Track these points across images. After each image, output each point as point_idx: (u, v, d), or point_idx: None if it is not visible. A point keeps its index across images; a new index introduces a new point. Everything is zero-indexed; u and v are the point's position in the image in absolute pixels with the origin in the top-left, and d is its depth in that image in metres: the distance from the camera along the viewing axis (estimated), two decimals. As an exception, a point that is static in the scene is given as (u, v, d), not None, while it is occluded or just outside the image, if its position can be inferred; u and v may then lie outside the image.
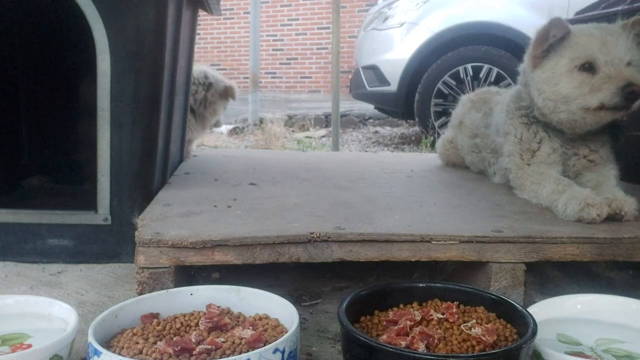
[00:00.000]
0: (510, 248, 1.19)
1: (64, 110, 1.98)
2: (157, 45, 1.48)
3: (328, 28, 8.45)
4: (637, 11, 1.65)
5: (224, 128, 5.94)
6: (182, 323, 0.98)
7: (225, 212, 1.36)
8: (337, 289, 1.40)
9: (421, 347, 0.87)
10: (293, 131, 5.90)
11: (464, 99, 2.09)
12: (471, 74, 4.43)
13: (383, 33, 4.93)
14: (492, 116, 1.80)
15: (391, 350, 0.84)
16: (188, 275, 1.33)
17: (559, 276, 1.49)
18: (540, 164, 1.55)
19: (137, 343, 0.90)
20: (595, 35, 1.43)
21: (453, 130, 2.11)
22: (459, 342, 0.91)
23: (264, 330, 0.96)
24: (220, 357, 0.87)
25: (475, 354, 0.88)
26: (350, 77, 6.08)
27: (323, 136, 5.72)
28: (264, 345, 0.86)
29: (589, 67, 1.42)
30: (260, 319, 1.01)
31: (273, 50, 10.09)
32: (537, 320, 0.93)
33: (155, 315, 1.01)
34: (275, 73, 10.17)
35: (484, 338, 0.89)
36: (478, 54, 4.45)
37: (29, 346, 0.97)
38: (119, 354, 0.87)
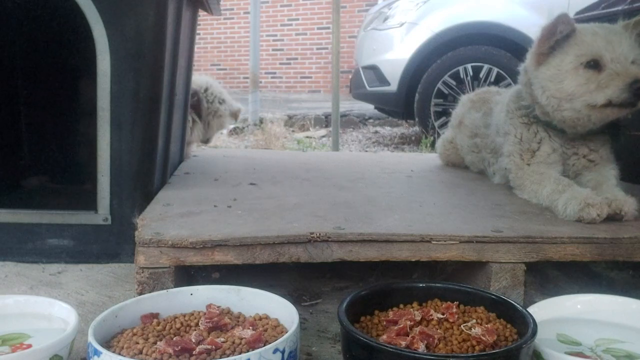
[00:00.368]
0: (510, 248, 1.19)
1: (64, 110, 1.98)
2: (157, 45, 1.48)
3: (328, 28, 8.45)
4: (637, 11, 1.65)
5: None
6: (182, 323, 0.98)
7: (225, 212, 1.36)
8: (337, 289, 1.40)
9: (421, 347, 0.87)
10: (293, 131, 5.90)
11: (464, 98, 2.09)
12: (471, 74, 4.43)
13: (383, 33, 4.93)
14: (492, 116, 1.80)
15: (391, 350, 0.84)
16: (188, 275, 1.33)
17: (559, 276, 1.49)
18: (540, 164, 1.55)
19: (137, 343, 0.90)
20: (600, 33, 1.43)
21: (453, 130, 2.11)
22: (459, 342, 0.91)
23: (264, 330, 0.96)
24: (220, 357, 0.87)
25: (475, 354, 0.88)
26: (350, 77, 6.08)
27: (323, 136, 5.72)
28: (264, 345, 0.86)
29: (594, 65, 1.41)
30: (260, 319, 1.01)
31: (273, 50, 10.09)
32: (537, 320, 0.92)
33: (155, 315, 1.01)
34: (275, 73, 10.17)
35: (484, 338, 0.89)
36: (478, 54, 4.44)
37: (29, 346, 0.97)
38: (119, 354, 0.87)
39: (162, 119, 1.58)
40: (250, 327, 0.94)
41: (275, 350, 0.85)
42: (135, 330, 0.95)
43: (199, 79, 2.32)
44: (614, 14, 1.76)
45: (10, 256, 1.49)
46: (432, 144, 4.02)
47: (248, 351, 0.87)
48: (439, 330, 0.93)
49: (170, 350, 0.86)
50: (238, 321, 1.01)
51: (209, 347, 0.88)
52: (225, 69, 10.25)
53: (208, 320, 0.96)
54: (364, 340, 0.86)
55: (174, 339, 0.91)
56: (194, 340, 0.90)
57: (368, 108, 6.18)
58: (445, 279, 1.40)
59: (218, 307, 1.03)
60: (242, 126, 6.11)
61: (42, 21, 1.91)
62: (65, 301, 1.09)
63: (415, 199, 1.54)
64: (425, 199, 1.56)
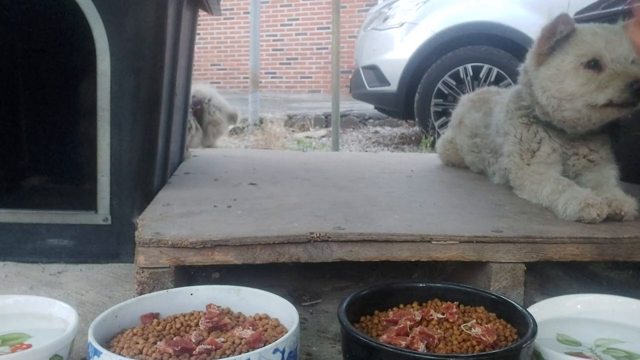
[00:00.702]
0: (510, 248, 1.19)
1: (64, 110, 1.97)
2: (157, 45, 1.48)
3: (328, 28, 8.45)
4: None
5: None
6: (182, 323, 0.98)
7: (225, 212, 1.36)
8: (337, 289, 1.40)
9: (421, 347, 0.87)
10: (293, 131, 5.90)
11: (464, 98, 2.09)
12: (471, 74, 4.43)
13: (383, 33, 4.93)
14: (492, 116, 1.80)
15: (391, 350, 0.84)
16: (188, 275, 1.33)
17: (559, 276, 1.49)
18: (540, 164, 1.55)
19: (137, 343, 0.90)
20: (600, 33, 1.43)
21: (453, 130, 2.11)
22: (459, 342, 0.91)
23: (264, 330, 0.96)
24: (220, 357, 0.87)
25: (475, 354, 0.88)
26: (350, 77, 6.08)
27: (323, 136, 5.72)
28: (264, 345, 0.86)
29: (594, 65, 1.41)
30: (260, 319, 1.01)
31: (273, 50, 10.09)
32: (537, 320, 0.92)
33: (155, 315, 1.01)
34: (275, 73, 10.17)
35: (484, 338, 0.89)
36: (478, 54, 4.44)
37: (29, 346, 0.97)
38: (119, 354, 0.87)
39: (162, 119, 1.58)
40: (250, 327, 0.94)
41: (275, 350, 0.85)
42: (135, 330, 0.95)
43: (203, 88, 2.37)
44: (614, 14, 1.76)
45: (10, 256, 1.49)
46: (432, 144, 4.01)
47: (248, 351, 0.87)
48: (439, 330, 0.93)
49: (170, 350, 0.86)
50: (238, 321, 1.01)
51: (209, 347, 0.88)
52: (225, 69, 10.26)
53: (208, 320, 0.96)
54: (364, 340, 0.86)
55: (174, 339, 0.91)
56: (194, 340, 0.90)
57: (368, 108, 6.18)
58: (445, 279, 1.40)
59: (218, 307, 1.03)
60: (242, 126, 6.11)
61: (42, 21, 1.91)
62: (65, 301, 1.09)
63: (415, 199, 1.54)
64: (425, 199, 1.56)
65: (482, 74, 4.40)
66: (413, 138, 5.38)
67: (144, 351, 0.88)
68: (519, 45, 4.13)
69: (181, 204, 1.44)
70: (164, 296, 1.06)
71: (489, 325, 0.94)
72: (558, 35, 1.46)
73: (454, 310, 0.99)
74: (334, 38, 4.57)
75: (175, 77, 1.71)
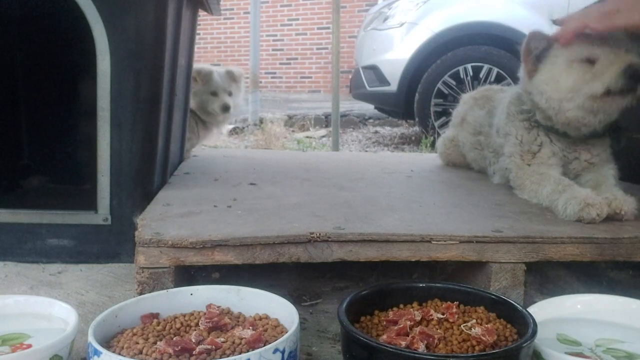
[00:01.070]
0: (510, 248, 1.19)
1: (64, 110, 1.97)
2: (157, 45, 1.48)
3: (328, 28, 8.45)
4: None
5: (224, 128, 5.94)
6: (182, 323, 0.98)
7: (225, 212, 1.36)
8: (337, 289, 1.40)
9: (421, 347, 0.87)
10: (293, 131, 5.90)
11: (466, 96, 2.10)
12: (471, 74, 4.44)
13: (383, 33, 4.93)
14: (495, 116, 1.80)
15: (391, 350, 0.84)
16: (188, 275, 1.33)
17: (559, 276, 1.49)
18: (540, 165, 1.55)
19: (137, 343, 0.90)
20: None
21: (454, 128, 2.11)
22: (459, 342, 0.91)
23: (264, 330, 0.95)
24: (220, 357, 0.87)
25: (475, 354, 0.88)
26: (350, 77, 6.08)
27: (323, 136, 5.72)
28: (264, 345, 0.86)
29: (588, 60, 1.41)
30: (260, 319, 1.01)
31: (273, 50, 10.09)
32: (537, 320, 0.92)
33: (155, 315, 1.01)
34: (275, 73, 10.17)
35: (484, 338, 0.89)
36: (478, 54, 4.45)
37: (29, 346, 0.97)
38: (119, 354, 0.87)
39: (162, 119, 1.58)
40: (250, 327, 0.94)
41: (275, 350, 0.85)
42: (135, 330, 0.95)
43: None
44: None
45: (10, 256, 1.49)
46: (432, 144, 4.02)
47: (248, 351, 0.87)
48: (439, 330, 0.93)
49: (170, 350, 0.86)
50: (238, 321, 1.01)
51: (209, 347, 0.88)
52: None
53: (208, 320, 0.96)
54: (364, 340, 0.86)
55: (174, 339, 0.91)
56: (194, 340, 0.90)
57: (368, 108, 6.19)
58: (445, 279, 1.40)
59: (218, 307, 1.03)
60: (242, 126, 6.12)
61: (42, 21, 1.91)
62: (65, 301, 1.09)
63: (415, 199, 1.54)
64: (425, 199, 1.56)
65: (482, 74, 4.41)
66: (413, 138, 5.38)
67: (144, 351, 0.88)
68: (519, 45, 4.12)
69: (181, 204, 1.44)
70: (164, 296, 1.06)
71: (489, 325, 0.94)
72: (534, 51, 1.49)
73: (454, 310, 0.99)
74: (334, 38, 4.57)
75: (175, 77, 1.71)
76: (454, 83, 4.47)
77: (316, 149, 4.82)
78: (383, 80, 4.83)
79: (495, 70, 4.38)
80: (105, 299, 1.29)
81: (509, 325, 0.97)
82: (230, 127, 6.01)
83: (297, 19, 9.99)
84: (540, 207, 1.46)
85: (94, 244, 1.50)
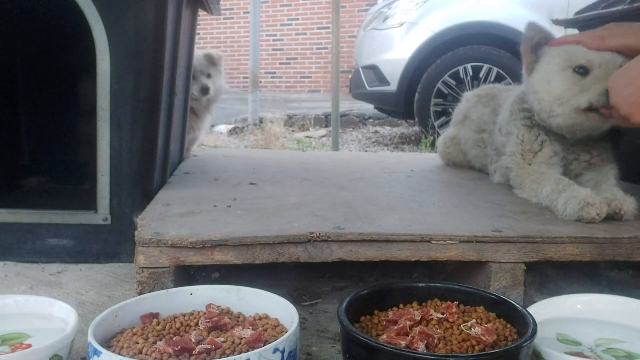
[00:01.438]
0: (510, 248, 1.19)
1: (64, 110, 1.98)
2: (157, 45, 1.48)
3: (328, 28, 8.46)
4: (637, 11, 1.65)
5: (224, 128, 5.95)
6: (182, 323, 0.98)
7: (225, 212, 1.36)
8: (337, 289, 1.40)
9: (421, 347, 0.87)
10: (293, 131, 5.90)
11: (469, 94, 2.10)
12: (471, 74, 4.44)
13: (383, 33, 4.93)
14: (500, 114, 1.80)
15: (391, 350, 0.84)
16: (188, 275, 1.33)
17: (559, 276, 1.49)
18: (541, 165, 1.55)
19: (137, 343, 0.90)
20: None
21: (456, 127, 2.11)
22: (459, 342, 0.91)
23: (264, 330, 0.96)
24: (220, 357, 0.87)
25: (475, 354, 0.88)
26: (350, 77, 6.08)
27: (323, 136, 5.72)
28: (264, 345, 0.86)
29: (583, 71, 1.42)
30: (260, 319, 1.01)
31: (273, 50, 10.09)
32: (537, 320, 0.92)
33: (155, 315, 1.01)
34: (275, 73, 10.18)
35: (484, 338, 0.89)
36: (478, 54, 4.45)
37: (29, 346, 0.97)
38: (119, 354, 0.87)
39: (162, 119, 1.58)
40: (250, 327, 0.94)
41: (275, 350, 0.85)
42: (135, 330, 0.95)
43: None
44: (613, 14, 1.75)
45: (10, 256, 1.49)
46: (432, 144, 4.02)
47: (248, 351, 0.87)
48: (439, 330, 0.93)
49: (170, 350, 0.86)
50: (238, 321, 1.01)
51: (209, 347, 0.88)
52: (225, 69, 10.25)
53: (208, 320, 0.96)
54: (364, 340, 0.86)
55: (174, 339, 0.91)
56: (194, 340, 0.90)
57: (368, 108, 6.19)
58: (445, 279, 1.40)
59: (218, 307, 1.03)
60: (242, 126, 6.12)
61: (42, 21, 1.91)
62: (65, 301, 1.09)
63: (415, 199, 1.54)
64: (425, 199, 1.56)
65: (482, 74, 4.41)
66: (413, 138, 5.39)
67: (144, 351, 0.88)
68: (519, 45, 4.13)
69: (181, 204, 1.44)
70: (164, 296, 1.06)
71: (489, 325, 0.94)
72: (531, 42, 1.51)
73: (454, 310, 0.99)
74: (334, 38, 4.58)
75: (175, 77, 1.71)
76: (454, 83, 4.47)
77: (316, 149, 4.82)
78: (383, 80, 4.83)
79: (495, 70, 4.38)
80: (105, 299, 1.29)
81: (509, 325, 0.97)
82: (231, 127, 6.02)
83: (297, 19, 9.99)
84: (540, 207, 1.46)
85: (94, 244, 1.50)
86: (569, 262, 1.22)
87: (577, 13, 2.15)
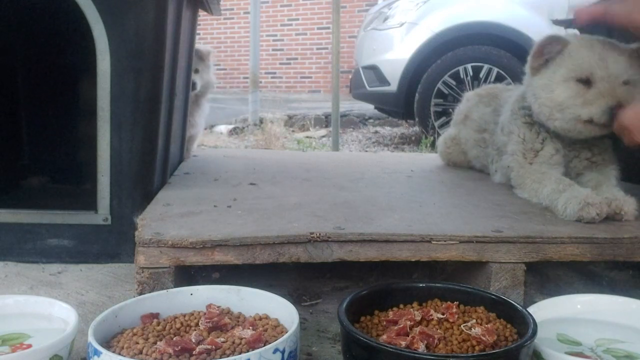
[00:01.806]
0: (510, 248, 1.19)
1: (64, 110, 1.98)
2: (157, 45, 1.48)
3: (328, 28, 8.45)
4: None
5: (224, 128, 5.95)
6: (182, 323, 0.98)
7: (225, 212, 1.36)
8: (337, 289, 1.40)
9: (421, 347, 0.87)
10: (293, 131, 5.90)
11: (470, 94, 2.09)
12: (471, 74, 4.44)
13: (383, 33, 4.93)
14: (501, 114, 1.80)
15: (391, 350, 0.84)
16: (188, 275, 1.33)
17: (559, 276, 1.49)
18: (542, 164, 1.55)
19: (137, 343, 0.90)
20: (596, 49, 1.44)
21: (456, 126, 2.10)
22: (459, 342, 0.91)
23: (264, 330, 0.96)
24: (220, 357, 0.87)
25: (475, 354, 0.88)
26: (350, 77, 6.08)
27: (323, 136, 5.72)
28: (264, 345, 0.87)
29: (585, 81, 1.43)
30: (260, 319, 1.01)
31: (273, 50, 10.09)
32: (537, 320, 0.92)
33: (155, 315, 1.01)
34: (275, 73, 10.18)
35: (484, 338, 0.89)
36: (478, 54, 4.45)
37: (29, 346, 0.97)
38: (119, 354, 0.87)
39: (162, 119, 1.58)
40: (250, 327, 0.94)
41: (275, 350, 0.85)
42: (135, 330, 0.95)
43: None
44: (613, 14, 1.75)
45: (10, 256, 1.49)
46: (432, 144, 4.02)
47: (248, 351, 0.87)
48: (439, 330, 0.93)
49: (170, 350, 0.86)
50: (238, 321, 1.01)
51: (209, 347, 0.88)
52: (225, 69, 10.25)
53: (208, 320, 0.96)
54: (364, 340, 0.86)
55: (174, 339, 0.91)
56: (194, 340, 0.90)
57: (368, 108, 6.19)
58: (445, 279, 1.40)
59: (218, 307, 1.03)
60: (242, 126, 6.12)
61: (42, 21, 1.91)
62: (65, 301, 1.09)
63: (415, 199, 1.54)
64: (425, 199, 1.56)
65: (482, 74, 4.41)
66: (413, 138, 5.38)
67: (144, 351, 0.88)
68: (519, 45, 4.13)
69: (181, 204, 1.44)
70: (164, 296, 1.06)
71: (489, 325, 0.94)
72: (546, 55, 1.50)
73: (454, 310, 0.99)
74: (334, 38, 4.58)
75: (175, 77, 1.71)
76: (454, 83, 4.47)
77: (316, 149, 4.82)
78: (383, 80, 4.83)
79: (495, 70, 4.38)
80: (105, 299, 1.29)
81: (509, 325, 0.97)
82: (231, 127, 6.02)
83: (297, 19, 9.99)
84: (540, 207, 1.46)
85: (94, 244, 1.50)
86: (569, 262, 1.22)
87: (577, 13, 2.15)
